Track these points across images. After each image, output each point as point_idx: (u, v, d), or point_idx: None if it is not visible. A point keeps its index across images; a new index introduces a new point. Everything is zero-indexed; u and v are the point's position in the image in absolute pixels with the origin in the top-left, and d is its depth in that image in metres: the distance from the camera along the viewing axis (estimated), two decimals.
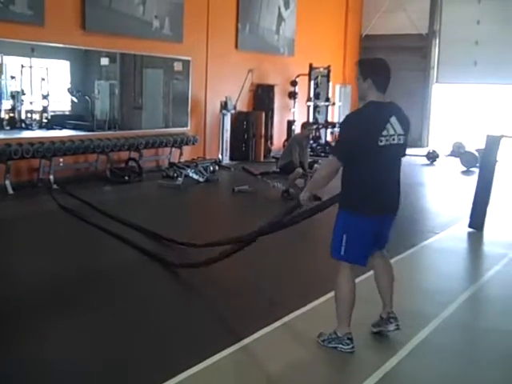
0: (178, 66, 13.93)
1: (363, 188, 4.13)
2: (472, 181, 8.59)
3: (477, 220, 8.28)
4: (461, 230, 8.34)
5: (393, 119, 4.14)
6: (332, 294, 4.46)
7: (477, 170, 9.67)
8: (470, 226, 8.33)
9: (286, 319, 4.79)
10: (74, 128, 12.38)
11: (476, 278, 6.25)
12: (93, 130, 12.21)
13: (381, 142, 4.02)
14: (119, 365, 4.06)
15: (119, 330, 4.63)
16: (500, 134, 8.32)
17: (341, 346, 4.26)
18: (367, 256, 4.30)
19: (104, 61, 12.72)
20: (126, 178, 11.55)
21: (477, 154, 15.61)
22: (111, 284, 5.71)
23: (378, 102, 4.16)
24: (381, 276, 4.57)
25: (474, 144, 16.60)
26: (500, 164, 8.70)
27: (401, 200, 4.37)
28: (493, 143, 8.31)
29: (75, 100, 13.14)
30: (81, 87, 12.76)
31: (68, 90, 13.12)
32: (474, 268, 7.00)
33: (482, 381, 4.06)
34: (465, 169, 15.15)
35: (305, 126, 11.43)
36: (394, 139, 4.10)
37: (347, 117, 4.26)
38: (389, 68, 4.27)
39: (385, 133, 4.05)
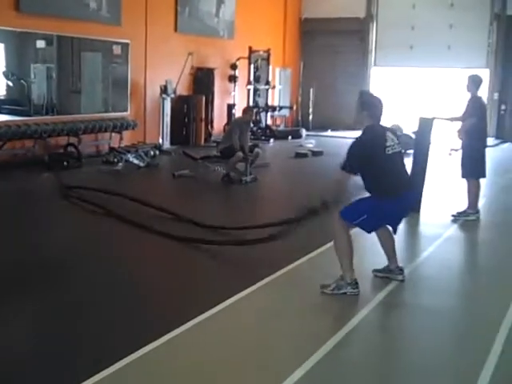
0: (116, 50, 13.73)
1: (385, 182, 5.10)
2: (408, 163, 8.78)
3: None
4: None
5: (388, 134, 5.15)
6: None
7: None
8: None
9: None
10: (10, 113, 12.06)
11: (413, 258, 6.43)
12: (29, 115, 11.94)
13: (388, 151, 5.05)
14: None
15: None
16: (432, 116, 8.54)
17: (351, 290, 5.03)
18: (376, 229, 5.33)
19: (40, 43, 12.40)
20: (65, 163, 11.37)
21: (413, 136, 15.97)
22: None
23: (374, 126, 5.16)
24: (386, 241, 5.49)
25: (411, 127, 16.96)
26: (434, 146, 8.94)
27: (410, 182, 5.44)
28: (425, 125, 8.54)
29: (10, 84, 12.79)
30: (16, 71, 12.41)
31: (3, 73, 12.74)
32: (411, 248, 7.20)
33: (413, 357, 4.22)
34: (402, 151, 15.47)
35: (246, 111, 11.47)
36: (395, 148, 5.13)
37: (355, 141, 5.11)
38: (382, 104, 5.26)
39: (388, 144, 5.06)
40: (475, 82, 8.14)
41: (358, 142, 5.09)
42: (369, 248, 6.13)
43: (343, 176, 5.05)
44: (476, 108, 8.05)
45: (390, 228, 5.44)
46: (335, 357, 4.05)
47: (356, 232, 5.33)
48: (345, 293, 5.03)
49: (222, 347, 4.17)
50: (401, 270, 5.52)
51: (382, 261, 5.61)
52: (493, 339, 4.34)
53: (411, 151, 8.96)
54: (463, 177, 8.23)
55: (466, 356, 4.18)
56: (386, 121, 5.40)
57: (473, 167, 8.10)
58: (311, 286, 5.25)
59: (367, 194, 5.25)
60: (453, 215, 8.15)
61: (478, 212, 8.20)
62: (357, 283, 5.07)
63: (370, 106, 5.19)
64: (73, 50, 12.85)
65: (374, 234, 5.48)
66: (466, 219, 8.03)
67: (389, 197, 5.04)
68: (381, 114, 5.20)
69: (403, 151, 5.31)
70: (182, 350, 4.11)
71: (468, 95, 8.16)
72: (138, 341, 4.08)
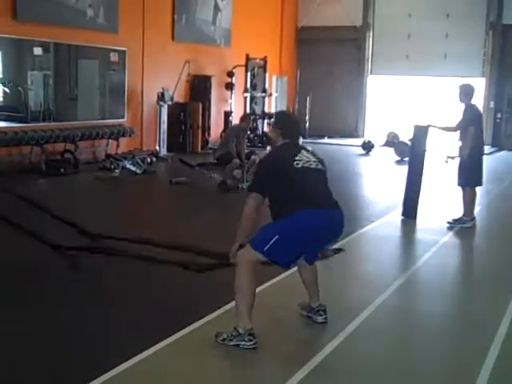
0: (113, 57, 13.76)
1: (297, 196, 4.28)
2: (405, 170, 8.83)
3: (409, 208, 8.53)
4: (395, 217, 8.57)
5: (302, 151, 4.48)
6: None
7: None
8: (403, 214, 8.58)
9: None
10: (7, 119, 12.07)
11: (410, 264, 6.45)
12: (27, 122, 11.94)
13: (297, 164, 4.33)
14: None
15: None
16: (427, 124, 8.57)
17: (243, 342, 4.15)
18: (292, 260, 4.38)
19: (37, 50, 12.41)
20: (62, 170, 11.37)
21: (410, 143, 16.03)
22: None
23: (285, 143, 4.57)
24: (305, 271, 4.70)
25: (407, 134, 17.01)
26: (429, 153, 8.97)
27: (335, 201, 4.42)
28: (420, 133, 8.57)
29: (7, 91, 12.79)
30: (13, 78, 12.42)
31: (0, 80, 12.77)
32: (407, 254, 7.22)
33: (413, 360, 4.22)
34: (399, 158, 15.53)
35: (244, 118, 11.50)
36: (311, 164, 4.39)
37: (260, 160, 4.77)
38: (297, 124, 5.00)
39: (298, 158, 4.36)
40: (467, 91, 8.11)
41: (263, 159, 4.74)
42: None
43: (249, 202, 4.31)
44: (473, 117, 8.06)
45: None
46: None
47: None
48: (237, 345, 4.16)
49: None
50: (323, 311, 4.69)
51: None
52: (489, 345, 4.35)
53: (407, 159, 9.00)
54: (459, 185, 8.25)
55: (462, 361, 4.19)
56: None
57: (469, 176, 8.11)
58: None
59: None
60: (448, 222, 8.16)
61: (473, 219, 8.22)
62: (251, 334, 4.16)
63: (283, 125, 4.71)
64: (70, 57, 12.88)
65: None
66: (462, 226, 8.05)
67: (305, 209, 4.20)
68: (295, 134, 4.84)
69: (324, 170, 4.50)
70: None
71: (461, 105, 8.13)
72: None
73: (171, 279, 5.46)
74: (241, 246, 4.29)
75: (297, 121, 5.22)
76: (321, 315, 4.66)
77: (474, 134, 7.94)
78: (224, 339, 4.20)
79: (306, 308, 4.76)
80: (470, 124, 7.97)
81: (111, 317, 4.69)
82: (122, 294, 5.19)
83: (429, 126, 8.53)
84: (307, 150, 4.57)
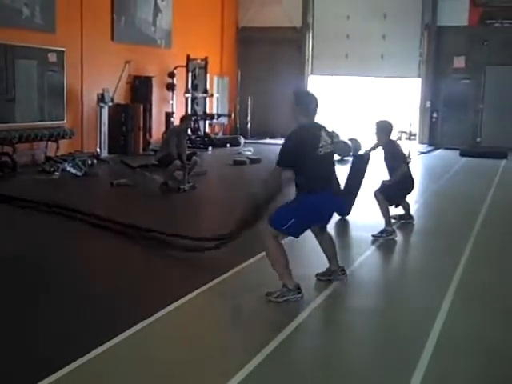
0: (52, 57, 13.54)
1: (314, 179, 5.14)
2: (345, 169, 8.96)
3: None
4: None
5: (322, 134, 5.21)
6: None
7: (350, 159, 10.11)
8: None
9: None
10: None
11: (349, 263, 6.57)
12: None
13: (320, 152, 5.11)
14: None
15: None
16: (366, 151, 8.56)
17: (293, 296, 5.03)
18: (303, 232, 5.30)
19: None
20: (0, 173, 11.15)
21: (350, 143, 16.29)
22: None
23: (310, 124, 5.23)
24: (325, 243, 5.62)
25: (347, 133, 17.30)
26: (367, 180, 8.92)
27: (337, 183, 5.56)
28: (360, 162, 8.58)
29: None
30: None
31: None
32: (346, 253, 7.34)
33: (347, 357, 4.34)
34: (339, 158, 15.74)
35: (184, 119, 11.50)
36: (328, 148, 5.21)
37: (288, 137, 5.19)
38: (317, 101, 5.29)
39: (321, 144, 5.12)
40: (384, 129, 7.92)
41: (291, 138, 5.15)
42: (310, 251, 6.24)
43: (272, 173, 5.12)
44: (398, 155, 7.94)
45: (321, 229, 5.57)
46: (273, 363, 4.12)
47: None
48: (288, 299, 5.03)
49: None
50: (343, 271, 5.65)
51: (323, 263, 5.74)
52: (426, 338, 4.50)
53: (348, 158, 9.07)
54: (374, 193, 7.93)
55: (397, 359, 4.32)
56: (323, 123, 5.42)
57: (386, 192, 7.83)
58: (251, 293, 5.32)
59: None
60: (372, 235, 7.63)
61: (394, 232, 7.74)
62: (299, 288, 5.08)
63: (304, 102, 5.24)
64: (6, 57, 12.60)
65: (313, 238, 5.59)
66: (386, 238, 7.55)
67: (315, 192, 5.09)
68: (315, 111, 5.25)
69: (333, 151, 5.37)
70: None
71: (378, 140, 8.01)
72: (81, 347, 4.07)
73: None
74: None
75: (316, 98, 5.33)
76: (343, 274, 5.63)
77: (404, 169, 7.87)
78: (277, 296, 5.05)
79: (324, 274, 5.64)
80: (399, 162, 7.86)
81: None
82: None
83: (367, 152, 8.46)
84: (325, 130, 5.28)
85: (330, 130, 5.56)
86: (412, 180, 8.31)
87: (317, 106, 5.27)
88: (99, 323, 4.63)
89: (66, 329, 4.54)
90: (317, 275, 5.69)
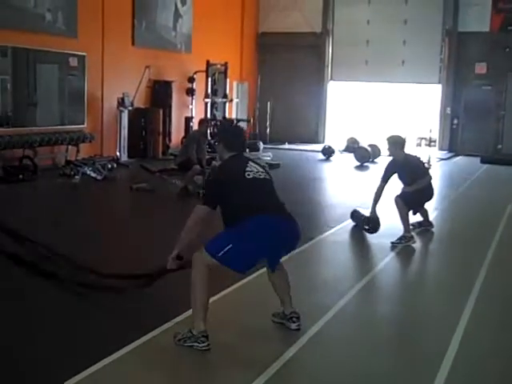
0: (73, 62, 13.64)
1: (247, 203, 4.40)
2: (365, 175, 8.92)
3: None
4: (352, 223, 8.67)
5: (250, 163, 4.61)
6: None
7: (369, 165, 10.17)
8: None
9: None
10: None
11: (368, 270, 6.55)
12: None
13: (248, 175, 4.46)
14: None
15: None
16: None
17: (196, 344, 4.23)
18: (249, 266, 4.47)
19: None
20: (21, 176, 11.23)
21: (369, 149, 16.27)
22: None
23: (233, 155, 4.64)
24: (276, 280, 4.74)
25: (367, 139, 17.28)
26: None
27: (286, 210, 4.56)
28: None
29: None
30: None
31: None
32: (366, 260, 7.32)
33: (371, 366, 4.26)
34: (358, 164, 15.71)
35: (201, 122, 11.53)
36: (260, 174, 4.53)
37: (210, 173, 4.75)
38: (240, 134, 4.92)
39: (248, 169, 4.50)
40: (396, 143, 7.87)
41: (214, 172, 4.93)
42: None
43: (196, 212, 4.45)
44: (415, 170, 7.93)
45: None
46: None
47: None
48: (191, 346, 4.25)
49: None
50: (297, 318, 4.70)
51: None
52: (445, 350, 4.46)
53: (367, 164, 9.06)
54: (395, 198, 7.92)
55: (420, 365, 4.29)
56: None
57: (407, 198, 7.81)
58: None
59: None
60: (412, 225, 8.06)
61: (412, 238, 7.72)
62: (205, 336, 4.23)
63: (225, 137, 4.85)
64: (28, 62, 12.72)
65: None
66: (405, 245, 7.57)
67: (254, 216, 4.32)
68: (240, 144, 4.76)
69: (270, 180, 4.64)
70: None
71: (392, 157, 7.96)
72: None
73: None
74: (178, 257, 4.49)
75: (238, 132, 5.04)
76: (294, 322, 4.68)
77: (424, 182, 7.89)
78: (179, 340, 4.31)
79: (278, 315, 4.79)
80: (418, 176, 7.86)
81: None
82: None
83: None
84: (253, 161, 4.70)
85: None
86: (432, 188, 8.29)
87: (241, 140, 4.82)
88: None
89: None
90: (273, 315, 4.85)
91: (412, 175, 7.90)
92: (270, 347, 4.42)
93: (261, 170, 4.60)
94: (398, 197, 7.86)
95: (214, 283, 4.43)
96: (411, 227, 7.92)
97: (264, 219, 4.34)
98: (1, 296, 5.21)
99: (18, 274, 5.48)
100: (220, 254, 4.26)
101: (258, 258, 4.48)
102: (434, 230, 8.43)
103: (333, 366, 4.25)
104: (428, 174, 8.23)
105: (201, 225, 4.47)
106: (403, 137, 8.05)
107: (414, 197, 7.83)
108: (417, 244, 7.65)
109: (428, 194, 8.19)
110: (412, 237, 7.65)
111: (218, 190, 4.44)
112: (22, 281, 5.44)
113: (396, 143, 7.87)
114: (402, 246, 7.47)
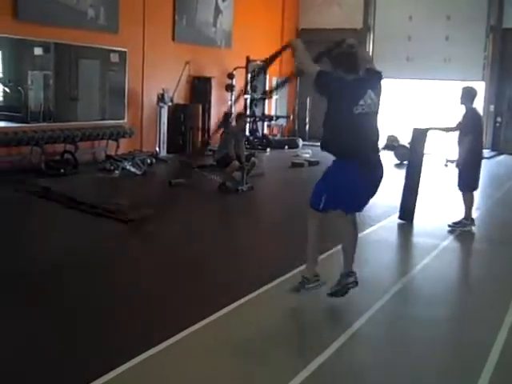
0: (114, 57, 13.75)
1: (345, 141, 4.80)
2: (404, 174, 8.83)
3: (407, 211, 8.54)
4: (394, 221, 8.57)
5: (369, 92, 4.76)
6: None
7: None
8: (400, 217, 8.58)
9: None
10: (7, 119, 12.06)
11: (409, 269, 6.45)
12: (27, 122, 11.94)
13: (356, 110, 4.66)
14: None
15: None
16: (426, 127, 8.56)
17: (313, 284, 4.86)
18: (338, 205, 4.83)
19: (38, 51, 12.42)
20: (62, 170, 11.36)
21: (409, 146, 16.02)
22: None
23: (356, 79, 4.78)
24: (346, 237, 5.06)
25: (407, 137, 16.99)
26: (428, 156, 8.97)
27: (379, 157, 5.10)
28: (419, 136, 8.57)
29: (8, 91, 12.79)
30: (14, 77, 12.44)
31: (0, 80, 12.77)
32: (406, 259, 7.22)
33: (411, 368, 4.19)
34: (398, 162, 15.51)
35: (238, 118, 11.51)
36: (370, 107, 4.77)
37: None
38: (354, 54, 5.01)
39: (361, 102, 4.67)
40: (470, 94, 8.05)
41: (335, 73, 4.74)
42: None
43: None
44: (473, 123, 8.01)
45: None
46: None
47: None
48: (307, 289, 4.89)
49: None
50: (352, 273, 5.04)
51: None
52: (488, 352, 4.35)
53: (407, 162, 9.00)
54: (459, 189, 8.24)
55: (461, 368, 4.19)
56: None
57: (467, 180, 8.11)
58: None
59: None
60: (449, 225, 8.15)
61: (473, 222, 8.21)
62: (316, 276, 4.91)
63: (341, 61, 4.82)
64: (70, 57, 12.87)
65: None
66: (462, 229, 8.04)
67: (350, 160, 4.67)
68: (356, 65, 4.77)
69: (377, 111, 4.84)
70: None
71: (461, 108, 8.08)
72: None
73: None
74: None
75: (351, 52, 5.06)
76: (350, 276, 4.98)
77: (471, 141, 7.90)
78: (296, 288, 4.89)
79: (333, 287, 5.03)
80: (471, 129, 7.92)
81: None
82: None
83: (428, 129, 8.52)
84: (372, 88, 4.78)
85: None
86: (481, 151, 8.53)
87: (356, 59, 4.90)
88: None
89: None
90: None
91: (468, 128, 7.98)
92: (312, 343, 4.37)
93: (371, 101, 4.73)
94: (460, 185, 8.17)
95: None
96: (448, 227, 8.11)
97: (355, 171, 4.66)
98: None
99: None
100: (320, 206, 4.73)
101: (342, 203, 4.80)
102: (476, 229, 8.26)
103: (367, 367, 4.18)
104: (479, 134, 8.34)
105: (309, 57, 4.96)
106: (475, 89, 8.23)
107: (469, 171, 8.03)
108: (458, 244, 7.54)
109: (479, 158, 8.37)
110: (472, 221, 8.15)
111: (329, 84, 4.68)
112: None
113: (467, 93, 8.04)
114: (459, 230, 8.03)
